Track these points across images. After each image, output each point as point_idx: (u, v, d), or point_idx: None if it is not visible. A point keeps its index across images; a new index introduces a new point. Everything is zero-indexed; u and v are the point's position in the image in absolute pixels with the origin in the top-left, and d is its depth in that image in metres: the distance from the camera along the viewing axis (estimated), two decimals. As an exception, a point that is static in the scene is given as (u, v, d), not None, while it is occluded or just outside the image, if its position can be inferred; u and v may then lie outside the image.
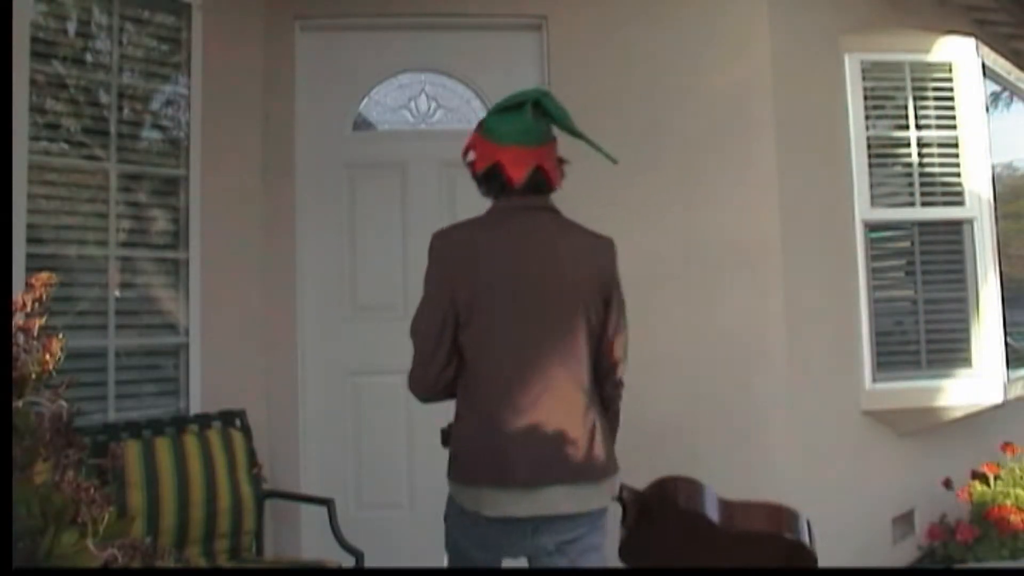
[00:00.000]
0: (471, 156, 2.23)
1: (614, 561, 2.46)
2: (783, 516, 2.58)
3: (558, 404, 2.13)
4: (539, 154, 2.22)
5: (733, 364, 3.74)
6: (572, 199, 3.80)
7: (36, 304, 1.59)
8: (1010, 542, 3.69)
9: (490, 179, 2.22)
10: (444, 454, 2.20)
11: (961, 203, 4.22)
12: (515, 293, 2.17)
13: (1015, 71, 4.75)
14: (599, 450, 2.14)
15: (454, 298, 2.13)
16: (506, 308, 2.16)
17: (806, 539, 2.55)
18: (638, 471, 3.72)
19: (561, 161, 2.28)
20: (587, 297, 2.22)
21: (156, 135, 3.55)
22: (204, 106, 3.53)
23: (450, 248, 2.19)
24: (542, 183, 2.23)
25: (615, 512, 2.34)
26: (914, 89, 4.24)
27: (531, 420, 2.10)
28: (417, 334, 2.18)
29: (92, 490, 1.46)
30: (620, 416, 2.35)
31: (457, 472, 2.16)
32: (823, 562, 3.69)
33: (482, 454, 2.11)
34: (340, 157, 3.92)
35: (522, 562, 2.20)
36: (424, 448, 3.85)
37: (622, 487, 2.33)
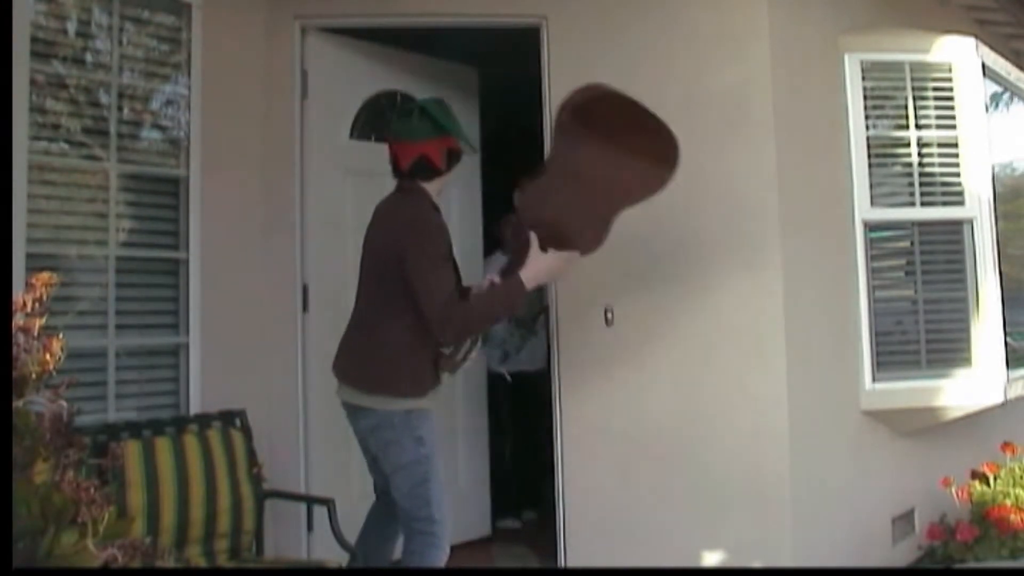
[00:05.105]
0: None
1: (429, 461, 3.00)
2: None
3: (360, 335, 3.02)
4: (392, 147, 3.08)
5: (733, 364, 3.73)
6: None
7: (36, 304, 1.59)
8: (1010, 542, 3.68)
9: None
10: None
11: (961, 203, 4.21)
12: (362, 256, 3.09)
13: (1015, 71, 4.75)
14: (377, 370, 2.93)
15: None
16: (360, 266, 3.09)
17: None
18: (637, 468, 3.73)
19: (416, 153, 3.00)
20: (387, 256, 2.94)
21: (156, 135, 3.55)
22: (204, 106, 3.53)
23: None
24: (393, 166, 3.08)
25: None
26: (914, 89, 4.23)
27: (345, 344, 3.08)
28: None
29: (92, 490, 1.46)
30: (463, 354, 3.01)
31: None
32: (823, 562, 3.71)
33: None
34: (340, 156, 3.92)
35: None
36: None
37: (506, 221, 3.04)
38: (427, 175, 3.01)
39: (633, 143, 2.93)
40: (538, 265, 2.95)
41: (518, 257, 2.98)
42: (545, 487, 5.03)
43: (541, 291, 4.97)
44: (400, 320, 2.90)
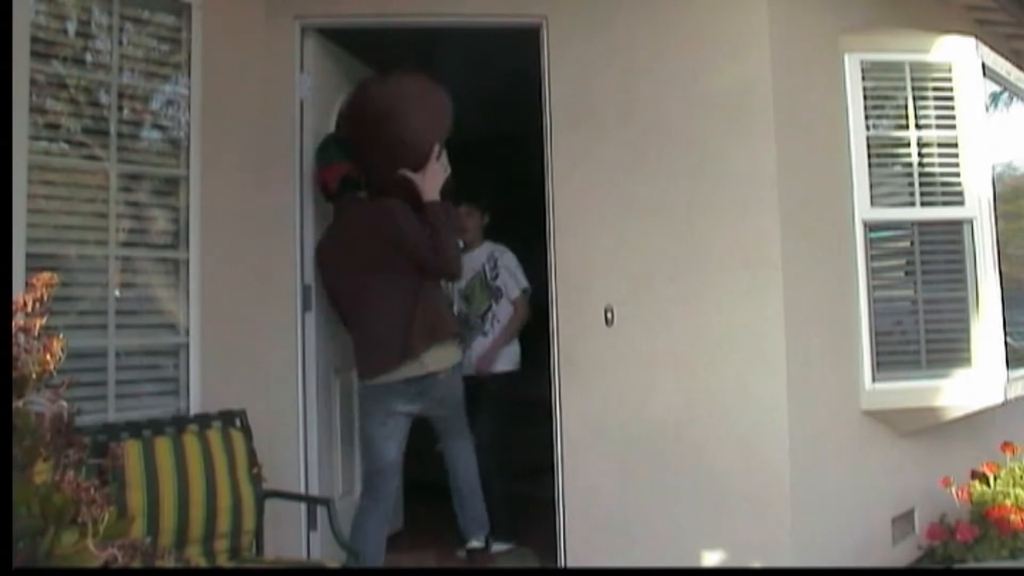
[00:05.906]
0: None
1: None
2: None
3: (385, 321, 3.49)
4: (318, 175, 3.74)
5: (733, 364, 3.73)
6: (573, 199, 3.83)
7: (37, 304, 1.59)
8: (1010, 542, 3.68)
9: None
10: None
11: (961, 203, 4.21)
12: (344, 268, 3.59)
13: (1015, 71, 4.74)
14: (441, 327, 3.56)
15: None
16: (345, 278, 3.60)
17: None
18: (637, 468, 3.73)
19: (338, 174, 3.67)
20: (383, 247, 3.48)
21: (156, 135, 3.55)
22: (204, 106, 3.52)
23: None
24: (324, 191, 3.73)
25: None
26: (914, 89, 4.23)
27: (380, 337, 3.51)
28: None
29: (92, 490, 1.46)
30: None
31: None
32: (823, 562, 3.70)
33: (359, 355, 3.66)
34: (340, 157, 3.91)
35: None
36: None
37: None
38: (355, 188, 3.63)
39: (410, 103, 3.64)
40: (425, 184, 3.58)
41: (414, 191, 3.60)
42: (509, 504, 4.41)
43: (488, 287, 4.54)
44: (420, 286, 3.50)
